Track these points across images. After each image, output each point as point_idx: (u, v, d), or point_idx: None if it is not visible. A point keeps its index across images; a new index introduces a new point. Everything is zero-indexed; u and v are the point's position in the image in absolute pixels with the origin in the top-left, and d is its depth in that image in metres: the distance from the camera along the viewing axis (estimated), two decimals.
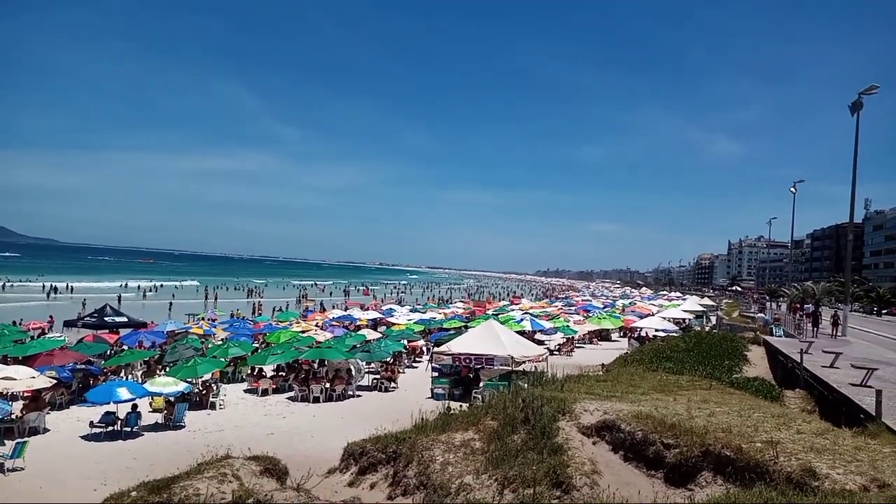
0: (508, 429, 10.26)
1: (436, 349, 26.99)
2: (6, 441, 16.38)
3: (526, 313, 52.06)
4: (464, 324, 45.24)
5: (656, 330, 40.47)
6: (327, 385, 24.92)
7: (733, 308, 76.13)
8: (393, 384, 27.20)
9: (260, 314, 56.33)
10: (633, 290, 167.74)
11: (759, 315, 51.78)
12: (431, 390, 25.24)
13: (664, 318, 46.28)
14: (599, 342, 47.15)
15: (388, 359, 29.76)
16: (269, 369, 27.82)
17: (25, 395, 20.43)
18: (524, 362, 24.07)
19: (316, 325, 42.42)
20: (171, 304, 67.38)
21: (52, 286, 76.43)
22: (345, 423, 20.66)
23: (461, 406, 15.08)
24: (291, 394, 25.19)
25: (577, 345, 43.34)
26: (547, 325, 44.13)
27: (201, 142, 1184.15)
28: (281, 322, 45.56)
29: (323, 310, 62.77)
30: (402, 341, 33.36)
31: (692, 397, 12.64)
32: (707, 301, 76.72)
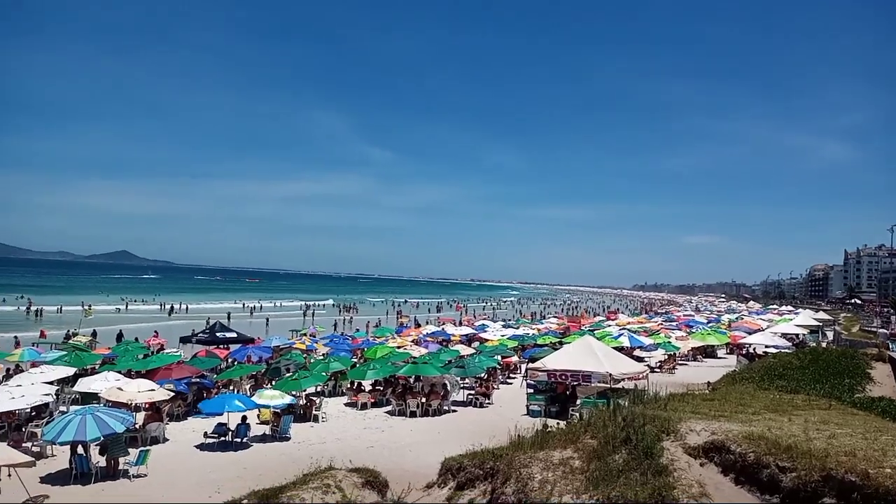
0: (609, 448, 9.98)
1: (530, 365, 26.70)
2: (131, 449, 17.67)
3: (623, 329, 50.54)
4: (558, 339, 44.55)
5: (766, 346, 38.10)
6: (423, 400, 25.21)
7: (853, 322, 70.45)
8: (488, 400, 27.13)
9: (357, 330, 57.91)
10: (739, 304, 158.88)
11: (881, 330, 47.65)
12: (527, 407, 24.96)
13: (775, 334, 43.51)
14: (704, 359, 44.95)
15: (483, 374, 29.74)
16: (367, 383, 28.51)
17: (147, 406, 21.96)
18: (623, 379, 23.35)
19: (411, 341, 43.08)
20: (267, 319, 71.05)
21: (170, 306, 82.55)
22: (441, 438, 20.77)
23: (558, 423, 14.82)
24: (389, 408, 25.66)
25: (680, 362, 41.52)
26: (646, 341, 42.62)
27: (297, 167, 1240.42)
28: (378, 338, 46.63)
29: (417, 325, 63.70)
30: (495, 357, 33.26)
31: (809, 418, 11.80)
32: (822, 315, 71.37)
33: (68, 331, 46.53)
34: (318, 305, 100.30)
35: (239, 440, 19.91)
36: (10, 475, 12.07)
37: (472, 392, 27.80)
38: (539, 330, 54.34)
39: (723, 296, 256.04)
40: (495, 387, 29.66)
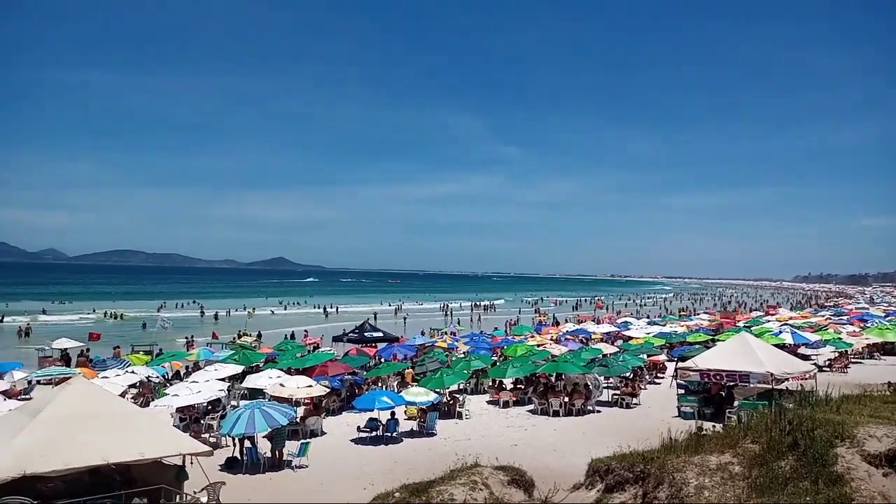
0: (773, 454, 9.22)
1: (680, 365, 25.38)
2: (292, 441, 19.05)
3: (785, 324, 46.59)
4: (710, 337, 42.02)
5: None
6: (566, 399, 24.84)
7: None
8: (634, 401, 26.18)
9: (496, 328, 58.24)
10: None
11: None
12: (678, 408, 23.77)
13: None
14: (882, 357, 40.30)
15: (628, 374, 28.74)
16: (508, 382, 28.60)
17: (306, 401, 23.56)
18: (786, 379, 21.54)
19: (551, 339, 42.63)
20: (405, 318, 73.65)
21: (323, 307, 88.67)
22: (586, 439, 20.38)
23: (713, 426, 13.95)
24: (531, 407, 25.57)
25: (853, 360, 37.52)
26: (812, 337, 38.95)
27: (431, 170, 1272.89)
28: (516, 336, 46.63)
29: (556, 323, 62.90)
30: (641, 356, 32.00)
31: None
32: None
33: (239, 331, 51.19)
34: (459, 306, 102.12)
35: (389, 435, 20.80)
36: (192, 463, 13.47)
37: (618, 392, 26.96)
38: (688, 327, 51.56)
39: None
40: (642, 387, 28.54)
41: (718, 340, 36.09)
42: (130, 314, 73.23)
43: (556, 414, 24.20)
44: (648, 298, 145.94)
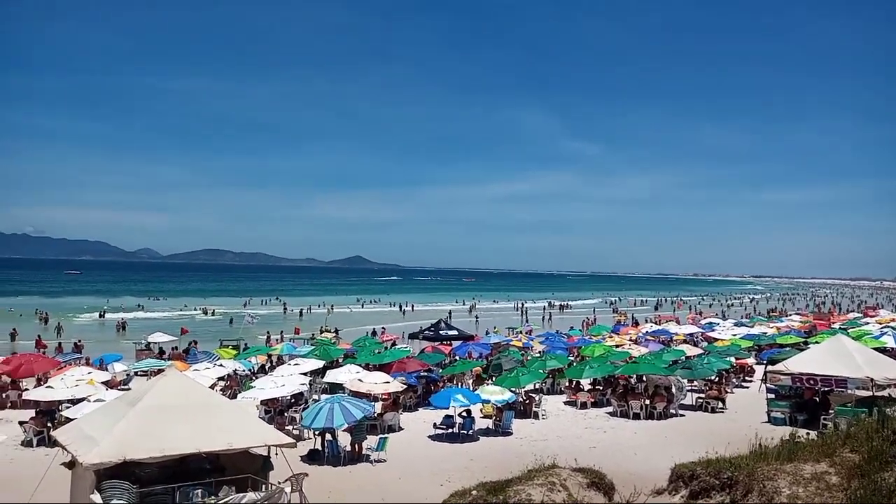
0: (876, 465, 8.64)
1: (770, 368, 24.15)
2: (371, 436, 19.43)
3: (887, 327, 43.51)
4: (802, 339, 39.81)
5: None
6: (647, 402, 24.15)
7: None
8: (720, 405, 25.13)
9: (571, 328, 57.41)
10: None
11: None
12: (767, 413, 22.64)
13: None
14: None
15: (713, 377, 27.61)
16: (585, 382, 28.10)
17: (384, 397, 24.00)
18: (889, 386, 20.10)
19: (630, 340, 41.58)
20: (476, 317, 73.74)
21: (399, 305, 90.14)
22: (668, 443, 19.78)
23: (807, 434, 13.20)
24: (610, 409, 25.02)
25: None
26: None
27: (505, 168, 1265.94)
28: (594, 336, 45.75)
29: (636, 324, 61.27)
30: (728, 358, 30.69)
31: None
32: None
33: (321, 327, 52.78)
34: (534, 305, 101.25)
35: (465, 432, 20.86)
36: (276, 454, 13.96)
37: (702, 395, 25.96)
38: (778, 329, 49.04)
39: None
40: (728, 391, 27.36)
41: (811, 343, 34.13)
42: (221, 310, 76.74)
43: (636, 417, 23.58)
44: (735, 299, 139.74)
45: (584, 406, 25.65)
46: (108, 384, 24.39)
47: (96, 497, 11.40)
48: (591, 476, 10.82)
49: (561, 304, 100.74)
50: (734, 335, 43.42)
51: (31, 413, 21.60)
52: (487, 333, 48.63)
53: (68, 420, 17.12)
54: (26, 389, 25.02)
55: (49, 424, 19.38)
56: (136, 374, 30.33)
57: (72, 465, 12.84)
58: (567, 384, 28.42)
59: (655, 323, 58.43)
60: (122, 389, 23.59)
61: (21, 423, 20.82)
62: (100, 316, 67.07)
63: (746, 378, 31.99)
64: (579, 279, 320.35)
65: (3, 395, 25.58)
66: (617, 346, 36.15)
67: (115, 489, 11.78)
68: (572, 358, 34.92)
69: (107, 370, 28.29)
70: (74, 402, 20.23)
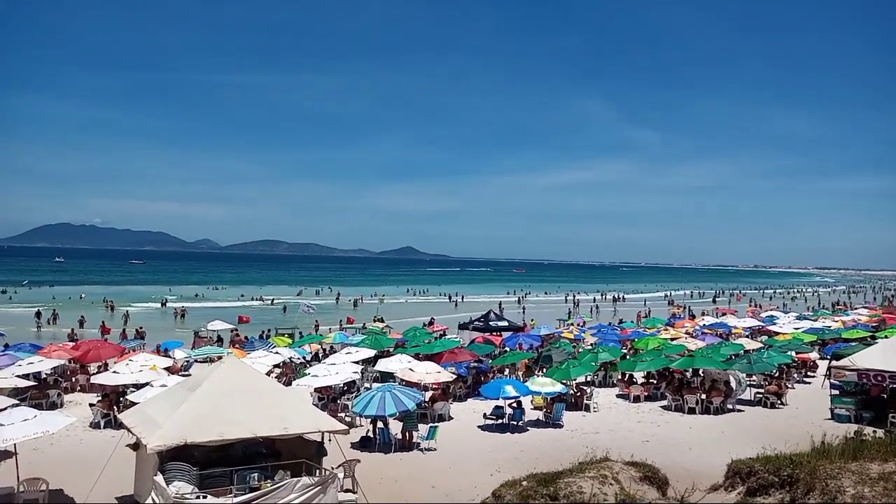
0: None
1: (835, 363, 23.21)
2: (421, 425, 19.59)
3: None
4: (870, 334, 38.03)
5: None
6: (703, 396, 23.56)
7: None
8: (780, 401, 24.31)
9: (621, 321, 56.39)
10: None
11: None
12: (831, 410, 21.79)
13: None
14: None
15: (773, 371, 26.73)
16: (639, 375, 27.61)
17: (434, 386, 24.16)
18: None
19: (686, 333, 40.58)
20: (523, 308, 73.25)
21: (450, 296, 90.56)
22: (725, 438, 19.30)
23: (874, 432, 12.65)
24: (664, 402, 24.53)
25: None
26: None
27: (559, 157, 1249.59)
28: (648, 328, 44.86)
29: (692, 316, 59.79)
30: (789, 353, 29.61)
31: None
32: None
33: (374, 316, 53.49)
34: (586, 296, 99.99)
35: (515, 423, 20.82)
36: (329, 440, 14.25)
37: (761, 391, 25.17)
38: (844, 323, 47.02)
39: None
40: (789, 386, 26.44)
41: (880, 338, 32.56)
42: (280, 300, 78.59)
43: (691, 411, 23.05)
44: (798, 291, 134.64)
45: (637, 399, 25.23)
46: (170, 370, 25.33)
47: (159, 478, 11.90)
48: (644, 470, 10.62)
49: (614, 296, 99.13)
50: (796, 329, 41.79)
51: (99, 396, 22.67)
52: (534, 324, 48.35)
53: (133, 404, 17.87)
54: (94, 374, 26.25)
55: (115, 407, 20.30)
56: (195, 360, 31.39)
57: (136, 446, 13.44)
58: (620, 377, 27.99)
59: (713, 316, 56.89)
60: (183, 375, 24.48)
61: (90, 405, 21.90)
62: (161, 304, 69.72)
63: (808, 374, 30.84)
64: (634, 270, 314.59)
65: (73, 379, 26.92)
66: (672, 340, 35.33)
67: (176, 470, 12.27)
68: (625, 351, 34.35)
69: (168, 356, 29.38)
70: (138, 386, 21.08)
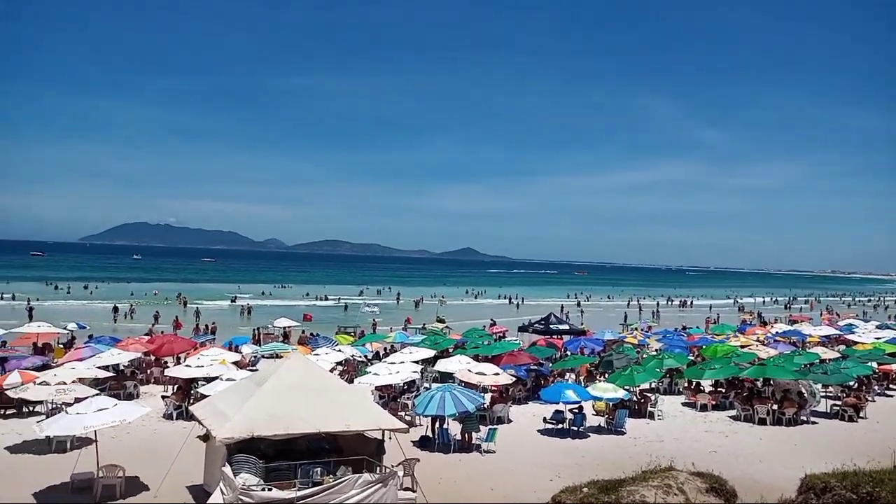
0: None
1: None
2: (480, 426, 19.56)
3: None
4: None
5: None
6: (774, 407, 22.60)
7: None
8: (859, 414, 23.05)
9: (684, 327, 54.70)
10: None
11: None
12: None
13: None
14: None
15: (852, 383, 25.37)
16: (706, 384, 26.73)
17: (493, 388, 24.06)
18: None
19: (756, 340, 39.01)
20: (581, 312, 71.78)
21: (509, 298, 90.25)
22: (797, 451, 18.53)
23: None
24: (733, 412, 23.67)
25: None
26: None
27: (623, 157, 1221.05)
28: (716, 335, 43.35)
29: (763, 323, 57.43)
30: (869, 363, 28.05)
31: None
32: None
33: (437, 317, 53.81)
34: (649, 300, 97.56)
35: (576, 428, 20.52)
36: (390, 438, 14.41)
37: (838, 403, 23.95)
38: None
39: None
40: (869, 399, 25.05)
41: None
42: (346, 299, 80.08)
43: (762, 422, 22.15)
44: (879, 299, 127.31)
45: (703, 408, 24.43)
46: (238, 364, 26.20)
47: (227, 469, 12.32)
48: (710, 481, 10.29)
49: (681, 301, 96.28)
50: (878, 339, 39.49)
51: (171, 389, 23.67)
52: (584, 327, 47.42)
53: (203, 396, 18.58)
54: (167, 367, 27.43)
55: (186, 400, 21.17)
56: (262, 356, 32.36)
57: (206, 438, 13.97)
58: (686, 385, 27.17)
59: (786, 323, 54.48)
60: (251, 370, 25.26)
61: (163, 397, 22.93)
62: (231, 301, 72.24)
63: (891, 386, 29.13)
64: (701, 275, 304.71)
65: (148, 372, 28.23)
66: (742, 347, 34.01)
67: (243, 462, 12.68)
68: (692, 358, 33.35)
69: (237, 352, 30.39)
70: (208, 379, 21.90)
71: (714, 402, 24.79)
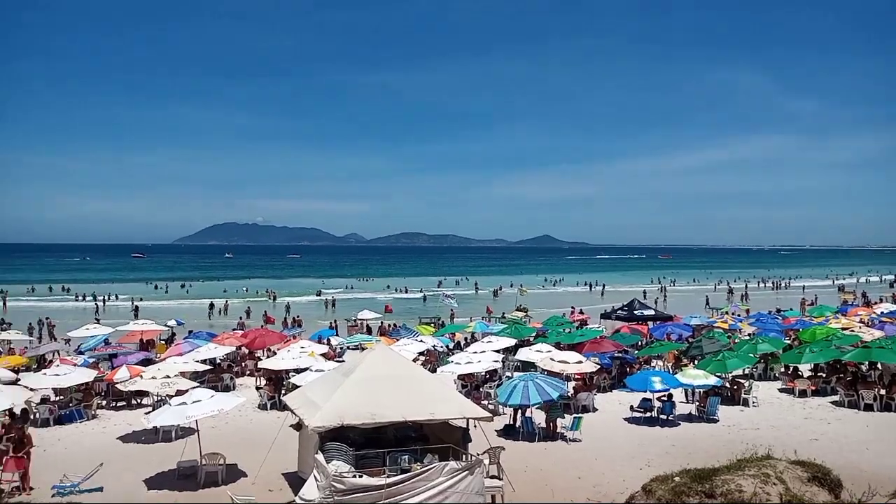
0: None
1: None
2: (566, 415, 19.37)
3: None
4: None
5: None
6: (882, 392, 21.17)
7: None
8: None
9: (780, 310, 51.89)
10: None
11: None
12: None
13: None
14: None
15: None
16: (805, 369, 25.36)
17: (577, 377, 23.74)
18: None
19: (860, 322, 36.60)
20: (665, 296, 69.64)
21: (590, 285, 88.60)
22: None
23: None
24: (835, 398, 22.37)
25: None
26: None
27: (704, 135, 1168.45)
28: (815, 318, 40.98)
29: (867, 304, 53.79)
30: None
31: None
32: None
33: (517, 306, 53.70)
34: (739, 283, 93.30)
35: (665, 417, 19.96)
36: (475, 426, 14.51)
37: None
38: None
39: None
40: None
41: None
42: (425, 291, 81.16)
43: (868, 408, 20.84)
44: None
45: (802, 394, 23.22)
46: (326, 356, 27.06)
47: (320, 456, 12.79)
48: (812, 470, 9.74)
49: (774, 283, 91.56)
50: None
51: (265, 380, 24.74)
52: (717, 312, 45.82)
53: (295, 387, 19.32)
54: (260, 359, 28.71)
55: (279, 390, 22.09)
56: (348, 347, 33.30)
57: (299, 426, 14.55)
58: (783, 370, 25.88)
59: (892, 303, 50.77)
60: (338, 361, 26.04)
61: (256, 388, 24.01)
62: (316, 295, 74.68)
63: None
64: (796, 254, 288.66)
65: (243, 364, 29.65)
66: (844, 329, 32.00)
67: (335, 450, 13.12)
68: (789, 341, 31.73)
69: (324, 343, 31.39)
70: (299, 371, 22.75)
71: (814, 388, 23.52)
